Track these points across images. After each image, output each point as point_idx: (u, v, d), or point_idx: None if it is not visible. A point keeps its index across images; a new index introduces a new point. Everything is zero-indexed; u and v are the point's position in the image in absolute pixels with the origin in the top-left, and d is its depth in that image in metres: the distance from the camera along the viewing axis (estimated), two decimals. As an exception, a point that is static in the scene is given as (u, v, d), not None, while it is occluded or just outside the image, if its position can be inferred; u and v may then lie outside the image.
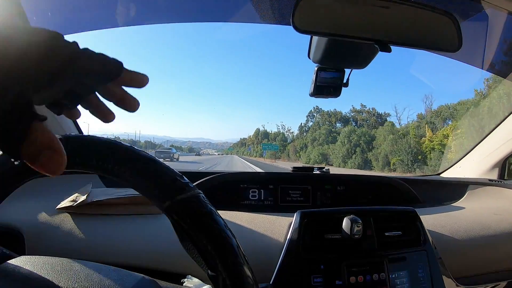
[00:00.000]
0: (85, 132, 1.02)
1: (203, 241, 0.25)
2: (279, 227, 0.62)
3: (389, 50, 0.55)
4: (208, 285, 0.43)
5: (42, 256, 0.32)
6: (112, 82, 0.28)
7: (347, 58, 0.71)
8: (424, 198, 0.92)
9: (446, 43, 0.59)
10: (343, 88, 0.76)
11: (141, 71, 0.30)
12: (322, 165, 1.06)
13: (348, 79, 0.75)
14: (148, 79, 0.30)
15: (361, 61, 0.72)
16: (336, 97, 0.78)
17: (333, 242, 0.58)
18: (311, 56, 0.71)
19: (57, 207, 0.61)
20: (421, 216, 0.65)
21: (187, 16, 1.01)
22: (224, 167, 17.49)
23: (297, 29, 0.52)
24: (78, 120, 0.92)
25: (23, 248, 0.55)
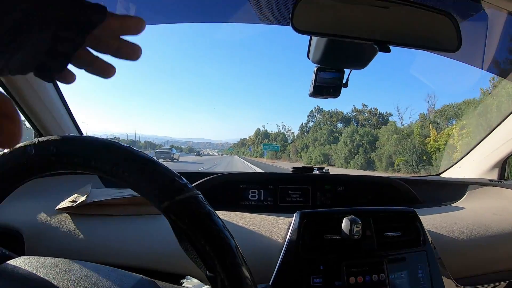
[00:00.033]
0: (83, 132, 1.02)
1: (201, 241, 0.25)
2: (278, 227, 0.62)
3: (388, 51, 0.55)
4: (207, 286, 0.43)
5: (41, 257, 0.32)
6: (99, 31, 0.24)
7: (347, 59, 0.72)
8: (424, 198, 0.92)
9: (445, 43, 0.59)
10: (344, 88, 0.76)
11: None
12: (323, 166, 1.06)
13: (347, 80, 0.75)
14: (143, 23, 0.26)
15: (361, 61, 0.72)
16: (336, 97, 0.78)
17: (332, 243, 0.57)
18: (310, 56, 0.71)
19: (56, 208, 0.61)
20: (421, 217, 0.65)
21: (188, 17, 1.01)
22: (224, 168, 17.48)
23: (296, 29, 0.52)
24: (77, 120, 0.92)
25: (22, 248, 0.55)
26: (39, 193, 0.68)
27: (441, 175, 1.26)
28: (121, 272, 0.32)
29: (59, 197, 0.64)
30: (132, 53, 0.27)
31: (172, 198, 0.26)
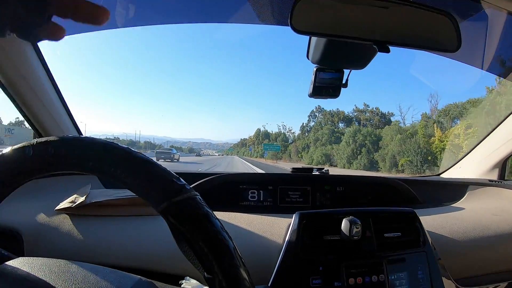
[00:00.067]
0: (83, 132, 1.03)
1: (199, 243, 0.25)
2: (277, 228, 0.62)
3: (387, 51, 0.55)
4: (206, 287, 0.43)
5: (39, 258, 0.32)
6: None
7: (346, 59, 0.71)
8: (424, 198, 0.91)
9: (445, 43, 0.59)
10: (346, 87, 0.76)
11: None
12: (324, 166, 1.06)
13: (347, 80, 0.75)
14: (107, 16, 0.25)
15: (360, 62, 0.72)
16: (335, 97, 0.78)
17: (332, 244, 0.57)
18: (310, 56, 0.71)
19: (56, 208, 0.61)
20: (420, 217, 0.65)
21: (188, 17, 1.01)
22: (224, 168, 17.46)
23: (295, 30, 0.51)
24: (76, 120, 0.92)
25: (22, 249, 0.55)
26: (39, 194, 0.68)
27: (441, 175, 1.26)
28: (120, 273, 0.32)
29: (58, 198, 0.64)
30: (95, 15, 0.26)
31: (169, 200, 0.26)
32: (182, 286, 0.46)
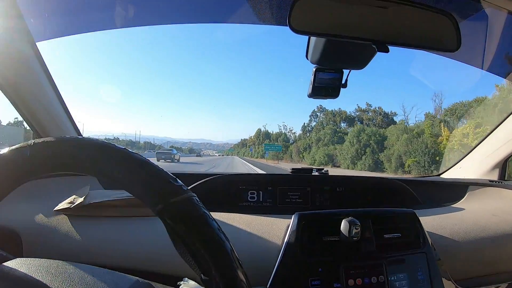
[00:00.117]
0: (81, 132, 1.02)
1: (195, 244, 0.25)
2: (276, 229, 0.62)
3: (387, 50, 0.55)
4: None
5: (37, 259, 0.32)
6: None
7: (345, 59, 0.71)
8: (424, 199, 0.91)
9: (445, 43, 0.58)
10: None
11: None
12: (327, 167, 1.06)
13: (346, 80, 0.75)
14: None
15: (360, 62, 0.72)
16: (335, 98, 0.78)
17: (331, 244, 0.57)
18: (309, 57, 0.71)
19: (54, 209, 0.61)
20: (420, 218, 0.65)
21: (188, 17, 1.01)
22: (224, 169, 17.43)
23: (294, 30, 0.51)
24: (75, 120, 0.92)
25: (20, 249, 0.55)
26: (37, 194, 0.68)
27: (441, 176, 1.26)
28: (117, 274, 0.32)
29: (57, 199, 0.64)
30: None
31: (166, 201, 0.26)
32: (180, 287, 0.46)
